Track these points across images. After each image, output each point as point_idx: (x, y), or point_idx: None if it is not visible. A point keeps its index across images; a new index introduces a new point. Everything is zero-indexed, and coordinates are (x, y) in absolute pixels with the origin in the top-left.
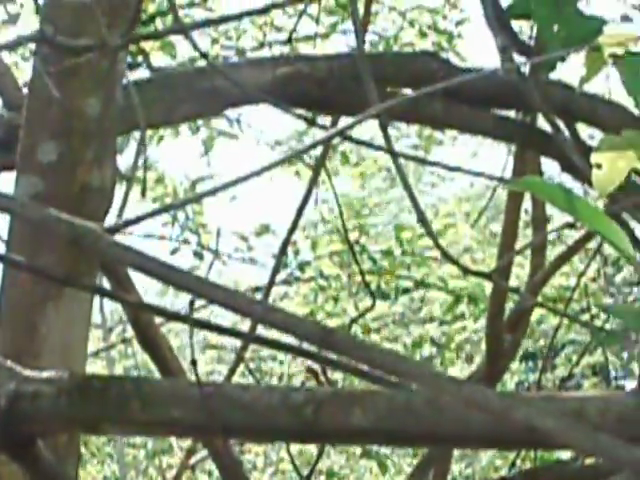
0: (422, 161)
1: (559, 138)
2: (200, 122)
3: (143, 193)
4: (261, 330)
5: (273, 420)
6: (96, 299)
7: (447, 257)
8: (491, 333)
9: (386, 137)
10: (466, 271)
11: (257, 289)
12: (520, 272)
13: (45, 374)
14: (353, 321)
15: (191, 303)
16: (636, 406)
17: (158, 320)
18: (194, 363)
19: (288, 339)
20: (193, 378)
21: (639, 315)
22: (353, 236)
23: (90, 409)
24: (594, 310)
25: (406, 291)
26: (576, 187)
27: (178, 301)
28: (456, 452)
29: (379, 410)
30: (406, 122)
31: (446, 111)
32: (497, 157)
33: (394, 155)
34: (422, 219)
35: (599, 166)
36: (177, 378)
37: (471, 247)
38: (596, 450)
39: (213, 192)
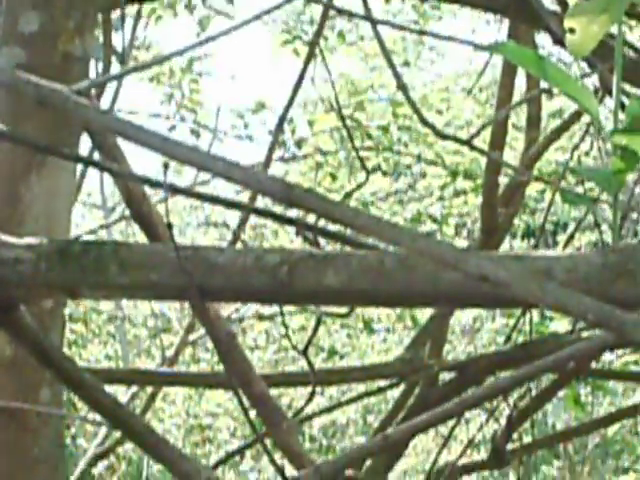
0: (406, 29)
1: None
2: (196, 1)
3: (122, 62)
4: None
5: (248, 281)
6: (95, 174)
7: (426, 123)
8: (486, 207)
9: (365, 2)
10: (441, 136)
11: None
12: (516, 145)
13: (25, 240)
14: (347, 195)
15: (165, 166)
16: (603, 265)
17: (155, 198)
18: (169, 226)
19: (285, 211)
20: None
21: (608, 176)
22: (350, 113)
23: (69, 274)
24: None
25: (406, 168)
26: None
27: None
28: (457, 329)
29: (352, 270)
30: None
31: None
32: (495, 34)
33: (373, 22)
34: (401, 85)
35: (572, 31)
36: (155, 242)
37: (471, 121)
38: (546, 299)
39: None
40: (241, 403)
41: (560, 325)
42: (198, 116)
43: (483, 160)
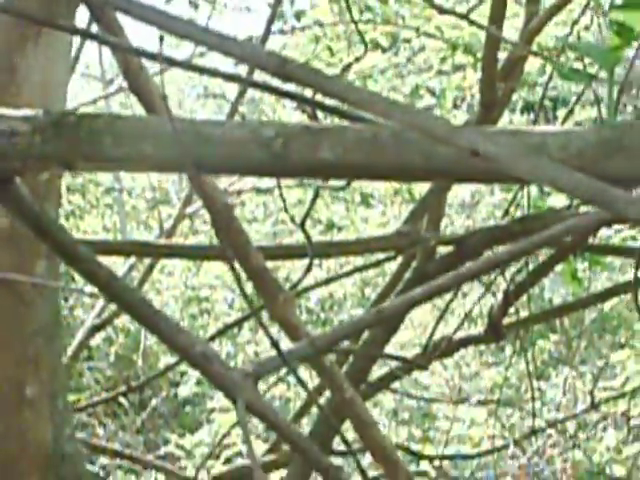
0: None
1: None
2: None
3: None
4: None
5: (243, 154)
6: (94, 47)
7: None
8: (485, 81)
9: None
10: (440, 10)
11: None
12: (515, 22)
13: (21, 112)
14: (345, 68)
15: (161, 38)
16: (597, 141)
17: (153, 69)
18: (165, 98)
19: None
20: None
21: (605, 51)
22: None
23: (63, 145)
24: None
25: (405, 42)
26: None
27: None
28: (455, 203)
29: (346, 143)
30: None
31: None
32: None
33: None
34: None
35: None
36: (150, 115)
37: None
38: (537, 175)
39: None
40: (236, 276)
41: (558, 200)
42: None
43: (483, 35)
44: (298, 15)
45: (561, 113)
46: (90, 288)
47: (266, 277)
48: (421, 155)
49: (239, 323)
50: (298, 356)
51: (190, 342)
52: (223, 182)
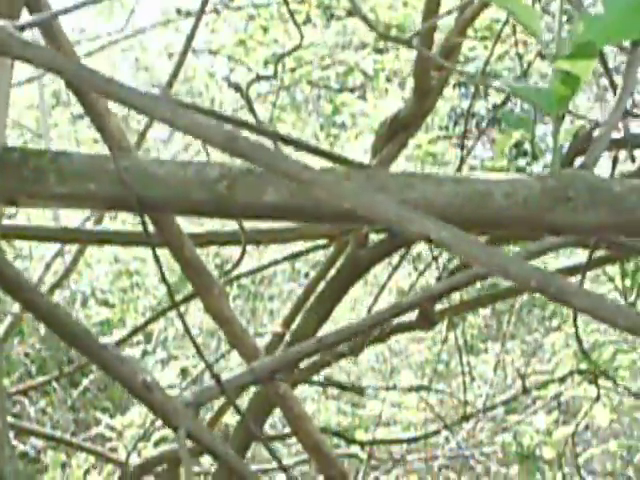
0: None
1: None
2: None
3: None
4: None
5: (187, 194)
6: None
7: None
8: (419, 70)
9: None
10: (385, 37)
11: (188, 14)
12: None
13: None
14: (280, 57)
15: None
16: (542, 191)
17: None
18: (111, 149)
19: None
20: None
21: (549, 94)
22: None
23: (8, 182)
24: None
25: (337, 20)
26: None
27: None
28: None
29: (292, 187)
30: None
31: None
32: None
33: None
34: None
35: None
36: (94, 153)
37: None
38: (489, 264)
39: None
40: (160, 268)
41: None
42: None
43: (416, 16)
44: None
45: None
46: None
47: (200, 269)
48: (365, 199)
49: (157, 318)
50: (237, 384)
51: (132, 372)
52: None
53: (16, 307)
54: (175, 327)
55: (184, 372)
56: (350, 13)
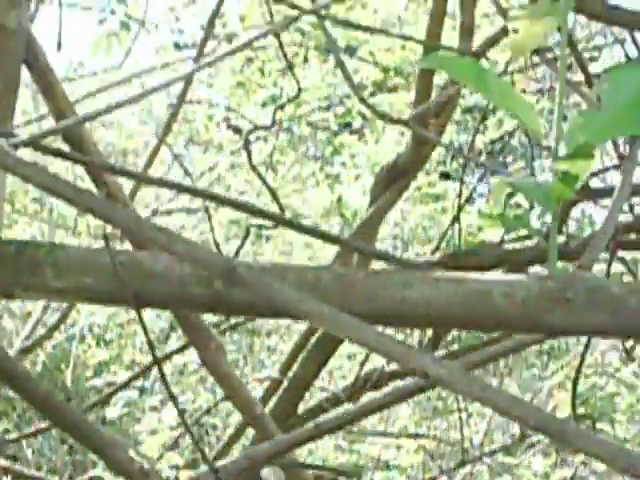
0: None
1: None
2: None
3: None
4: None
5: (185, 290)
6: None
7: (369, 107)
8: (417, 118)
9: None
10: (391, 120)
11: (181, 47)
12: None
13: None
14: (280, 107)
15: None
16: (540, 292)
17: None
18: (105, 238)
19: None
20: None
21: (549, 192)
22: (284, 9)
23: (4, 275)
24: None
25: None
26: None
27: None
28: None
29: (289, 284)
30: None
31: None
32: None
33: None
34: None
35: (515, 31)
36: (90, 247)
37: (405, 19)
38: (488, 402)
39: None
40: (143, 326)
41: (489, 235)
42: (128, 8)
43: (414, 58)
44: (230, 38)
45: (491, 121)
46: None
47: (197, 323)
48: (365, 300)
49: (142, 374)
50: (233, 471)
51: (128, 458)
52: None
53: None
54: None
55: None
56: (351, 54)
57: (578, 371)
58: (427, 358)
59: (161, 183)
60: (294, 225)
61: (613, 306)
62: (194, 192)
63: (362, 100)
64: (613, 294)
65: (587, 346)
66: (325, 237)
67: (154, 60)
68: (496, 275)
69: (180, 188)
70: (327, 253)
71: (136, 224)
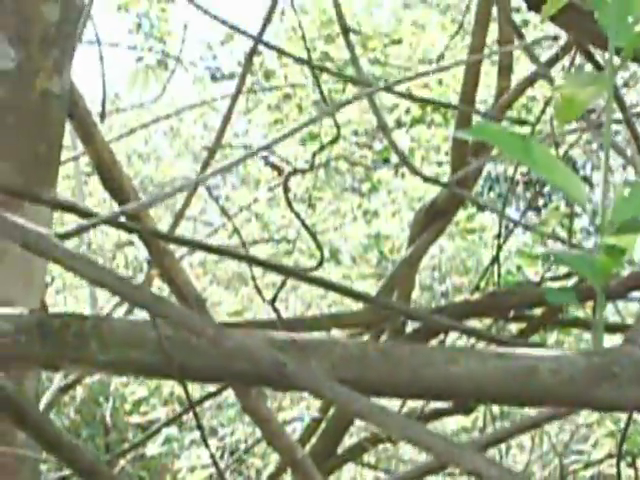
0: None
1: None
2: None
3: (102, 117)
4: None
5: (229, 365)
6: None
7: (408, 165)
8: (455, 156)
9: None
10: (426, 179)
11: (217, 78)
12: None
13: (3, 311)
14: (321, 149)
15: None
16: (587, 368)
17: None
18: (154, 320)
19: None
20: None
21: (594, 266)
22: (320, 45)
23: (49, 348)
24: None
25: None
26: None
27: None
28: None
29: (334, 360)
30: None
31: None
32: None
33: None
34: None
35: (561, 99)
36: (136, 320)
37: (443, 56)
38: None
39: None
40: (188, 398)
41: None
42: (166, 46)
43: (452, 95)
44: (267, 75)
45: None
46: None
47: None
48: (410, 374)
49: (174, 421)
50: None
51: None
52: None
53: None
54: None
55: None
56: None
57: (625, 431)
58: (479, 458)
59: (209, 249)
60: (325, 284)
61: None
62: (235, 256)
63: (395, 148)
64: None
65: (629, 419)
66: (354, 295)
67: (191, 92)
68: (542, 350)
69: (224, 253)
70: (365, 285)
71: (186, 318)
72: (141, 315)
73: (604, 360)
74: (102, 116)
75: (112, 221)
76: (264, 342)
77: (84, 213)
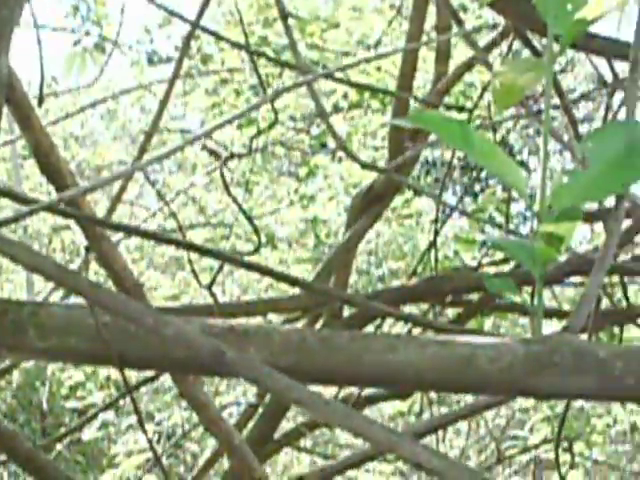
0: None
1: None
2: None
3: (40, 102)
4: None
5: (167, 352)
6: None
7: (346, 151)
8: (393, 142)
9: None
10: (364, 166)
11: (154, 62)
12: (423, 79)
13: None
14: (258, 133)
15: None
16: (525, 355)
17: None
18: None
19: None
20: None
21: (533, 254)
22: (258, 30)
23: None
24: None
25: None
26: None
27: None
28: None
29: (273, 347)
30: None
31: None
32: None
33: None
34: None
35: (500, 85)
36: (73, 305)
37: (381, 41)
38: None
39: None
40: (126, 383)
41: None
42: (104, 30)
43: (389, 80)
44: (205, 59)
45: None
46: None
47: None
48: (350, 362)
49: (111, 406)
50: None
51: None
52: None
53: None
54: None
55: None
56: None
57: (562, 422)
58: (418, 448)
59: (146, 235)
60: (262, 270)
61: (599, 370)
62: (172, 242)
63: (334, 134)
64: (599, 358)
65: (567, 406)
66: (290, 281)
67: (127, 75)
68: (481, 338)
69: (161, 239)
70: (300, 269)
71: (124, 306)
72: (79, 300)
73: (544, 348)
74: (40, 100)
75: (51, 208)
76: (202, 329)
77: (21, 199)
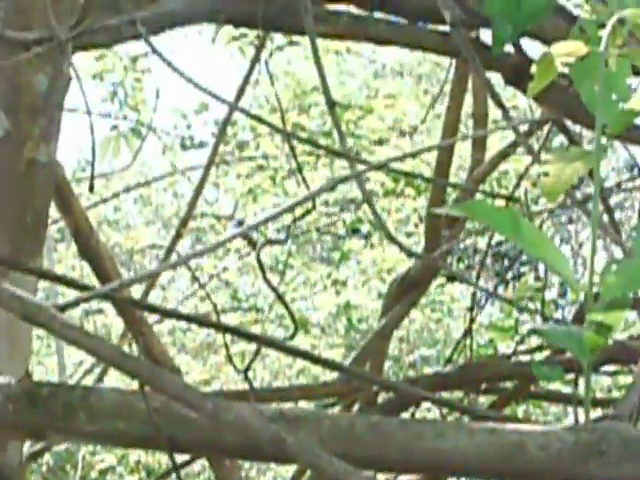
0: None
1: (458, 37)
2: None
3: (91, 189)
4: None
5: (218, 437)
6: None
7: (388, 235)
8: (429, 229)
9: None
10: (409, 253)
11: (187, 147)
12: (461, 163)
13: None
14: (294, 221)
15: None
16: (575, 444)
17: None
18: (141, 385)
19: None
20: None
21: (581, 342)
22: (293, 116)
23: (37, 418)
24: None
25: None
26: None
27: None
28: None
29: (323, 433)
30: (351, 40)
31: (389, 29)
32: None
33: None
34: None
35: (546, 174)
36: (124, 390)
37: (416, 127)
38: None
39: None
40: (175, 467)
41: (501, 348)
42: (141, 115)
43: (423, 167)
44: (241, 146)
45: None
46: None
47: None
48: (399, 449)
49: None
50: None
51: None
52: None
53: None
54: None
55: None
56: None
57: None
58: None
59: (186, 318)
60: (304, 354)
61: None
62: (212, 325)
63: (378, 219)
64: None
65: None
66: (333, 366)
67: (160, 160)
68: (530, 427)
69: (201, 322)
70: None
71: (184, 392)
72: (120, 382)
73: (592, 437)
74: (91, 187)
75: (109, 295)
76: (258, 415)
77: (78, 286)
